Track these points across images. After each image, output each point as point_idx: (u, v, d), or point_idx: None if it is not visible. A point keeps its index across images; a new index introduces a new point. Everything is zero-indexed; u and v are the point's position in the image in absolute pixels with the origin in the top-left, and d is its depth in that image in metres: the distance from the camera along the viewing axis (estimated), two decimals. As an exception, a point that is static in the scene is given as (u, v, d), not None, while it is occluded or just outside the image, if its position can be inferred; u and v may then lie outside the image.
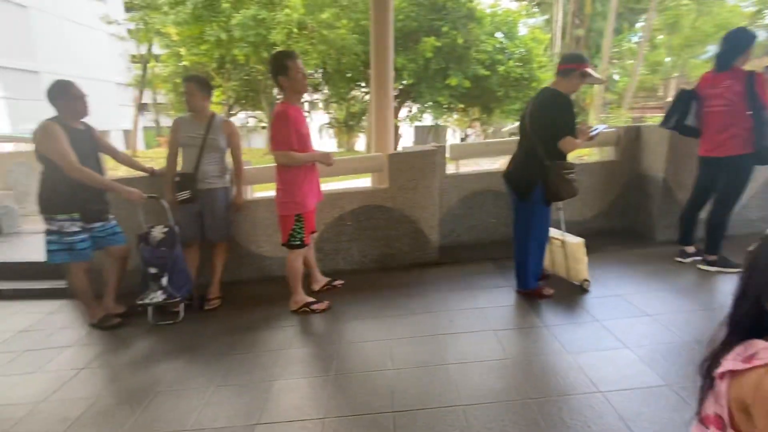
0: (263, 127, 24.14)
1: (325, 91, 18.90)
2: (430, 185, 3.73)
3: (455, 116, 21.40)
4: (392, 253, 3.85)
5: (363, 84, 17.41)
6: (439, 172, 3.84)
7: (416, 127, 24.41)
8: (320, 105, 22.76)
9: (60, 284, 3.73)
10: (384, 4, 4.75)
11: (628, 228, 4.23)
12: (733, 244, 3.40)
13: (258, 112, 22.85)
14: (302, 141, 2.85)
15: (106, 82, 23.92)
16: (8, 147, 12.24)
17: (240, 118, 24.47)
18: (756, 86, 2.87)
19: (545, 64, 16.19)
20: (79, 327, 3.14)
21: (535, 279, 3.03)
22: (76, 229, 2.86)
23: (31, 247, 4.50)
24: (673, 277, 3.20)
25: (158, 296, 3.02)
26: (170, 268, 3.05)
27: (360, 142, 25.05)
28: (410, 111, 19.32)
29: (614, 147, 4.21)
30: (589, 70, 2.73)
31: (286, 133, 2.76)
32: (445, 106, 15.93)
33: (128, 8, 17.67)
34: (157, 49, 17.00)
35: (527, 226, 2.90)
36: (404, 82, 15.02)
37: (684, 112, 3.20)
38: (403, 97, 16.67)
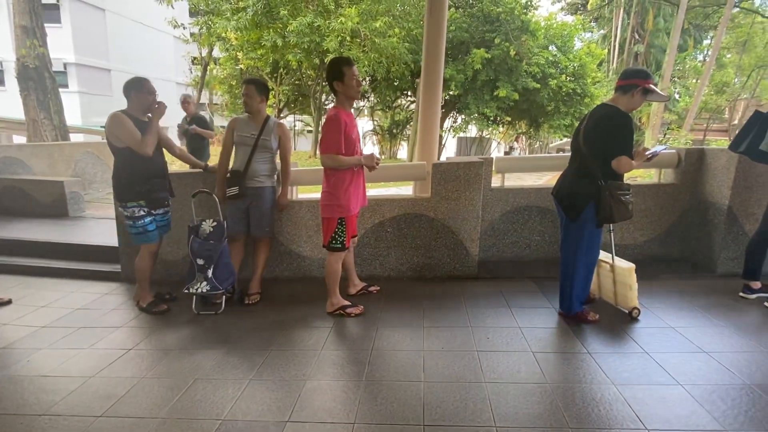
0: (309, 131, 24.81)
1: (372, 98, 19.20)
2: (474, 197, 3.68)
3: (501, 129, 21.05)
4: (430, 263, 3.82)
5: (409, 93, 17.52)
6: (483, 184, 3.77)
7: (459, 138, 24.19)
8: (365, 112, 23.13)
9: (116, 267, 3.97)
10: (438, 14, 4.76)
11: (685, 257, 3.96)
12: (807, 282, 3.11)
13: (305, 117, 23.54)
14: (350, 146, 2.89)
15: (168, 82, 25.44)
16: (79, 137, 13.27)
17: (288, 121, 25.30)
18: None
19: (600, 80, 15.64)
20: (130, 309, 3.32)
21: (580, 303, 2.89)
22: (143, 213, 3.09)
23: (93, 231, 4.83)
24: (735, 313, 2.96)
25: (203, 287, 3.15)
26: (216, 260, 3.18)
27: (402, 151, 25.14)
28: (455, 122, 19.19)
29: (674, 170, 3.97)
30: (653, 87, 2.60)
31: (337, 136, 2.81)
32: (491, 118, 15.72)
33: (193, 13, 18.78)
34: (217, 52, 17.92)
35: (576, 247, 2.78)
36: (451, 92, 14.97)
37: (758, 135, 2.97)
38: (449, 107, 16.61)
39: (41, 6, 8.86)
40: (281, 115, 19.75)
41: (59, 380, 2.38)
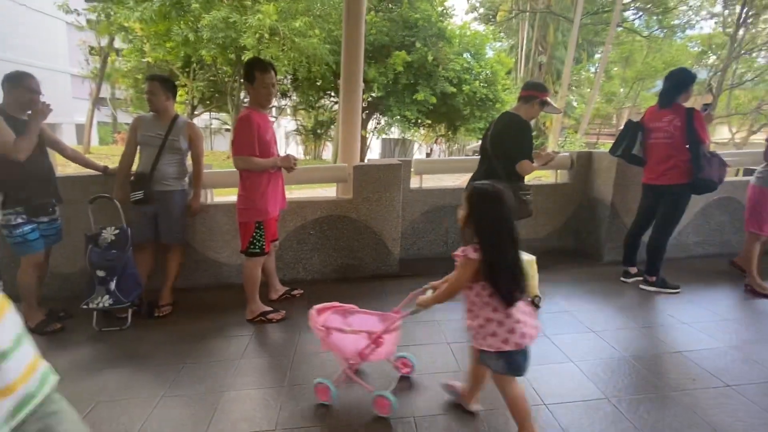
0: (227, 130, 23.62)
1: (294, 97, 18.82)
2: (394, 198, 3.80)
3: (422, 131, 21.83)
4: (354, 264, 3.87)
5: (332, 93, 17.47)
6: (403, 185, 3.91)
7: (384, 140, 24.71)
8: (288, 111, 22.62)
9: (-6, 285, 3.47)
10: (356, 17, 4.82)
11: (578, 248, 4.46)
12: (672, 266, 3.67)
13: (222, 114, 22.36)
14: (264, 148, 2.82)
15: (60, 73, 22.67)
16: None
17: (203, 119, 23.85)
18: (695, 122, 3.14)
19: (509, 87, 16.89)
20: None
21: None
22: (21, 221, 2.76)
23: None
24: (616, 296, 3.40)
25: (105, 300, 2.88)
26: (120, 271, 2.92)
27: (327, 151, 25.00)
28: (378, 123, 19.51)
29: (568, 171, 4.45)
30: (548, 100, 2.90)
31: (249, 138, 2.74)
32: (412, 120, 16.24)
33: (89, -2, 16.95)
34: (118, 43, 16.32)
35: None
36: (374, 94, 15.21)
37: (631, 141, 3.45)
38: (372, 109, 16.86)
39: None
40: (195, 113, 18.56)
41: None
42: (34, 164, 2.77)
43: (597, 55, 27.38)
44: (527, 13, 24.30)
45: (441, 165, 5.38)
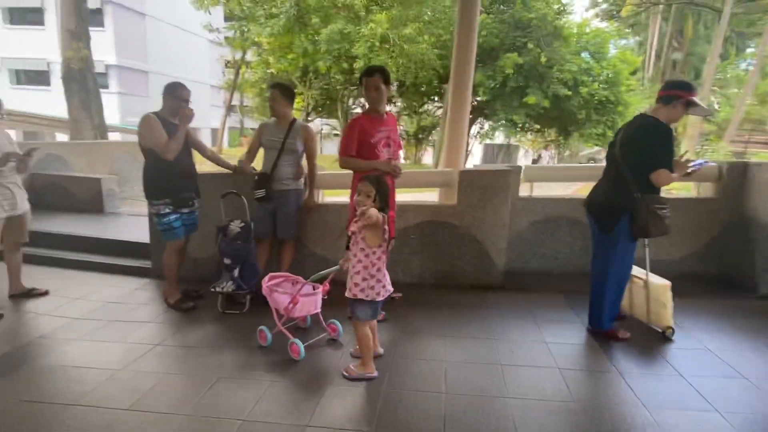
0: (336, 134, 25.06)
1: (398, 103, 19.23)
2: (501, 206, 3.61)
3: (529, 136, 20.72)
4: (453, 271, 3.76)
5: (436, 98, 17.47)
6: (511, 193, 3.70)
7: (486, 145, 23.94)
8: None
9: (146, 263, 4.09)
10: (469, 20, 4.73)
11: (723, 275, 3.77)
12: None
13: (332, 120, 23.79)
14: (367, 150, 2.91)
15: (202, 84, 26.25)
16: (116, 136, 13.80)
17: (315, 124, 25.63)
18: None
19: (634, 88, 15.18)
20: (158, 305, 3.41)
21: (610, 319, 2.79)
22: (168, 211, 3.19)
23: (127, 227, 5.00)
24: (779, 338, 2.79)
25: (229, 286, 3.20)
26: (243, 260, 3.23)
27: (427, 156, 25.07)
28: (481, 128, 19.00)
29: (714, 184, 3.79)
30: (696, 100, 2.49)
31: (350, 140, 2.90)
32: (519, 125, 15.48)
33: (228, 18, 19.37)
34: (249, 56, 18.38)
35: (608, 261, 2.68)
36: (479, 98, 14.83)
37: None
38: (476, 113, 16.46)
39: (87, 11, 9.29)
40: (309, 119, 20.04)
41: (89, 371, 2.46)
42: (180, 163, 3.19)
43: (749, 50, 23.24)
44: (660, 6, 21.60)
45: (554, 172, 5.00)
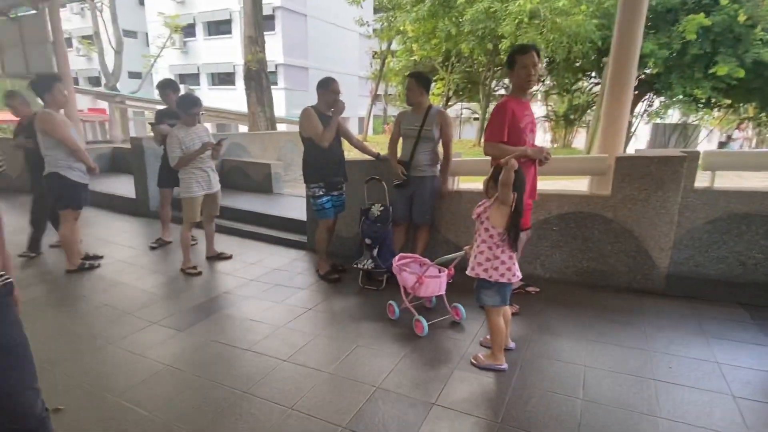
0: (475, 119, 24.47)
1: (547, 81, 17.75)
2: (668, 199, 3.10)
3: (715, 114, 17.04)
4: (602, 270, 3.40)
5: (593, 74, 15.60)
6: (683, 184, 3.14)
7: (655, 125, 20.46)
8: (538, 97, 21.55)
9: (303, 238, 4.70)
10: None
11: None
12: None
13: (473, 104, 23.27)
14: (516, 135, 2.76)
15: (351, 76, 28.38)
16: (283, 127, 15.96)
17: (455, 109, 25.43)
18: None
19: None
20: (311, 275, 3.90)
21: (819, 347, 2.19)
22: (322, 193, 3.60)
23: (288, 206, 5.79)
24: None
25: (368, 264, 3.48)
26: (381, 241, 3.46)
27: (579, 139, 22.66)
28: (650, 105, 16.34)
29: None
30: None
31: (500, 125, 2.75)
32: (702, 100, 12.82)
33: (377, 10, 20.40)
34: (395, 46, 19.12)
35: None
36: (647, 71, 12.73)
37: None
38: (643, 89, 14.18)
39: (263, 18, 10.84)
40: (449, 104, 19.99)
41: (259, 325, 2.97)
42: (332, 150, 3.55)
43: None
44: None
45: (744, 159, 4.04)
